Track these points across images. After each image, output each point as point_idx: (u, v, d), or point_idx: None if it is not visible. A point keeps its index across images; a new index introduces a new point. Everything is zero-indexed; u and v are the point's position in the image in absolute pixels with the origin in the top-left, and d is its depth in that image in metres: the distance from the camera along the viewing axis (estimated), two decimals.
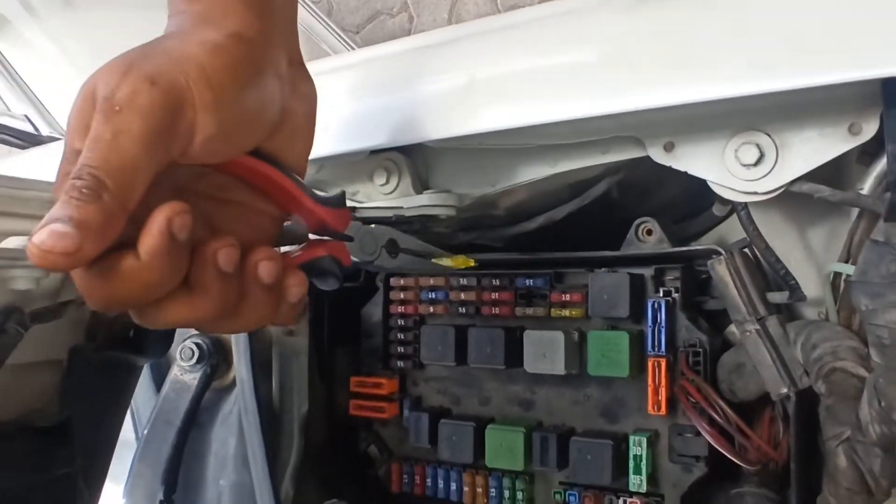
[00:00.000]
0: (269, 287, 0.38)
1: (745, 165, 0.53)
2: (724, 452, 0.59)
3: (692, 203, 0.74)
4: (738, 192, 0.53)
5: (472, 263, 0.54)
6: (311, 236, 0.45)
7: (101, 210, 0.30)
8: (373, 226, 0.49)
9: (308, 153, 0.44)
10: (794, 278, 0.58)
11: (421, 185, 0.67)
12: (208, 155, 0.36)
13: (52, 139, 1.24)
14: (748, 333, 0.60)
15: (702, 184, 0.55)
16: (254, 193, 0.42)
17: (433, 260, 0.52)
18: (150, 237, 0.32)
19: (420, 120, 0.58)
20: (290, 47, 0.42)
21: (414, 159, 0.67)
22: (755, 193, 0.53)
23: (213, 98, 0.34)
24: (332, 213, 0.44)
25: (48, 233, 0.29)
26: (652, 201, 0.77)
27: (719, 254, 0.62)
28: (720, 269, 0.62)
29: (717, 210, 0.71)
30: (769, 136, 0.53)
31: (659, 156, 0.57)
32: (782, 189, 0.53)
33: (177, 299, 0.35)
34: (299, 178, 0.42)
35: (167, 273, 0.33)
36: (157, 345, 0.75)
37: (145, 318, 0.36)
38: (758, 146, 0.53)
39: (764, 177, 0.53)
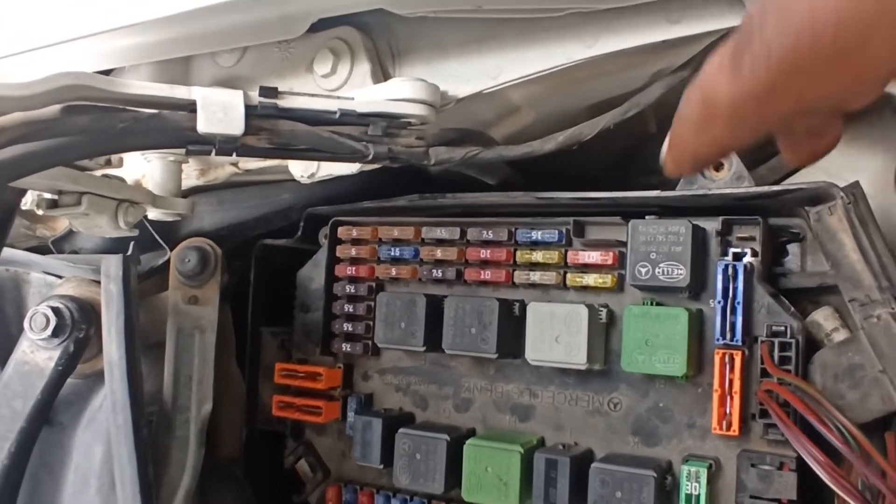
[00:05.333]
0: None
1: None
2: (848, 499, 0.38)
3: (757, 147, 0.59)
4: None
5: None
6: None
7: None
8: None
9: None
10: None
11: (383, 75, 0.46)
12: None
13: None
14: (874, 319, 0.44)
15: None
16: None
17: None
18: None
19: None
20: None
21: (374, 36, 0.47)
22: None
23: None
24: None
25: None
26: None
27: (825, 200, 0.42)
28: (832, 221, 0.44)
29: None
30: None
31: None
32: None
33: None
34: None
35: None
36: None
37: None
38: None
39: None
